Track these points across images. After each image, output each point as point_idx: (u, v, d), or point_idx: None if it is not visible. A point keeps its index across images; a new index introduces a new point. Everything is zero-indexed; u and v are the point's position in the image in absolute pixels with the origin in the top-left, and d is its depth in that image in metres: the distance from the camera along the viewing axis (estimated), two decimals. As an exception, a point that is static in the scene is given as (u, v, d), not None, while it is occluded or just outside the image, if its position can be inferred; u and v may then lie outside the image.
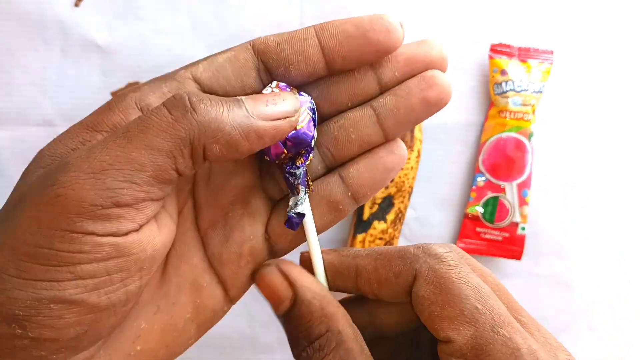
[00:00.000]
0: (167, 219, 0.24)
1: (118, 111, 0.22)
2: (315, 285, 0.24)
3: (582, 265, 0.48)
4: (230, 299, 0.27)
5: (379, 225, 0.45)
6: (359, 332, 0.23)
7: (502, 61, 0.47)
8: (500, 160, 0.47)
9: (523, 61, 0.47)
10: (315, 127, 0.25)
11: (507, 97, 0.46)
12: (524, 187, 0.47)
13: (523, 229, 0.46)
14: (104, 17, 0.47)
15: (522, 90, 0.46)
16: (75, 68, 0.47)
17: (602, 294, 0.48)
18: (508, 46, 0.47)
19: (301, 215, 0.25)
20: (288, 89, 0.24)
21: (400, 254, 0.24)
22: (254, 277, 0.25)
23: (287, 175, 0.25)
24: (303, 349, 0.22)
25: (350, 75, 0.25)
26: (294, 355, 0.23)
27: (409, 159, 0.46)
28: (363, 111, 0.26)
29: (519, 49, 0.47)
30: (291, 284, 0.23)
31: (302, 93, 0.25)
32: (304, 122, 0.24)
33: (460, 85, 0.48)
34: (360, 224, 0.45)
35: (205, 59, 0.24)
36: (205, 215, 0.26)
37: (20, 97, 0.46)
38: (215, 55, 0.24)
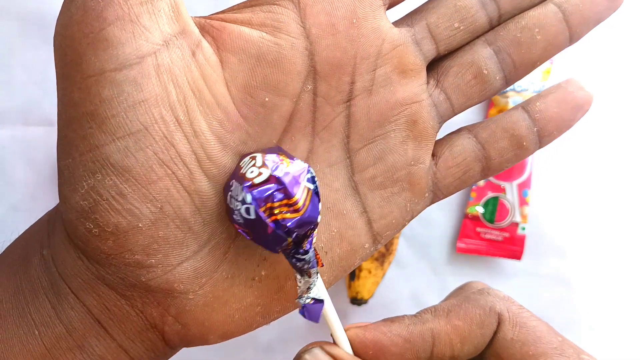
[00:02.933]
0: None
1: (270, 2, 0.22)
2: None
3: (582, 265, 0.48)
4: (374, 236, 0.24)
5: (379, 225, 0.45)
6: None
7: (503, 61, 0.47)
8: (500, 160, 0.47)
9: (523, 61, 0.47)
10: (319, 200, 0.20)
11: (507, 97, 0.46)
12: (524, 187, 0.47)
13: (523, 229, 0.46)
14: (104, 16, 0.47)
15: (522, 90, 0.46)
16: (76, 67, 0.47)
17: (602, 294, 0.48)
18: (508, 46, 0.47)
19: (320, 301, 0.21)
20: (278, 163, 0.20)
21: (474, 304, 0.22)
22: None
23: (294, 260, 0.21)
24: None
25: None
26: None
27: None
28: (547, 8, 0.24)
29: (520, 49, 0.47)
30: None
31: (294, 158, 0.20)
32: (307, 201, 0.20)
33: (460, 85, 0.48)
34: (361, 224, 0.45)
35: None
36: (360, 131, 0.23)
37: (21, 96, 0.47)
38: None
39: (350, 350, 0.22)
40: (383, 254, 0.46)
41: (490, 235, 0.47)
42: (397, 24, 0.25)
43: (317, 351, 0.22)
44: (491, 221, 0.47)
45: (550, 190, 0.48)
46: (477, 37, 0.25)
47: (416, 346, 0.22)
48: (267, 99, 0.21)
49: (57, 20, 0.19)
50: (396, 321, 0.23)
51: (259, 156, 0.20)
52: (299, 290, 0.21)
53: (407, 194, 0.24)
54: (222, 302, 0.21)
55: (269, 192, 0.19)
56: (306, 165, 0.20)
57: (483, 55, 0.24)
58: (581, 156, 0.48)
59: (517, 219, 0.46)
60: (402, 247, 0.48)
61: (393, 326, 0.22)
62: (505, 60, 0.24)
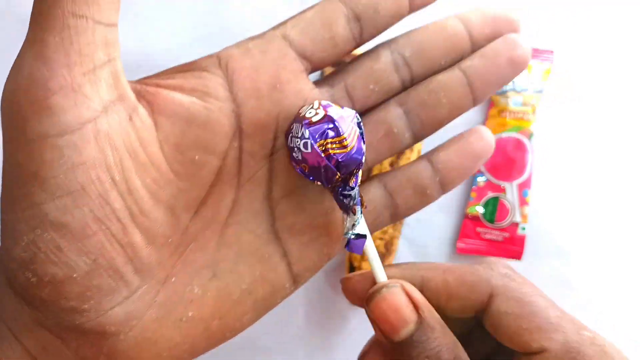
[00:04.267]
0: None
1: (200, 69, 0.24)
2: (434, 311, 0.23)
3: (582, 265, 0.48)
4: (294, 277, 0.26)
5: (379, 225, 0.45)
6: None
7: (502, 61, 0.47)
8: (500, 160, 0.47)
9: (523, 61, 0.47)
10: (364, 142, 0.24)
11: (507, 97, 0.46)
12: (524, 187, 0.47)
13: (523, 229, 0.46)
14: (103, 17, 0.47)
15: (522, 90, 0.46)
16: (75, 68, 0.47)
17: (602, 294, 0.48)
18: (508, 46, 0.47)
19: (362, 237, 0.24)
20: (332, 106, 0.24)
21: (472, 271, 0.24)
22: (370, 297, 0.24)
23: (342, 197, 0.24)
24: None
25: (443, 29, 0.27)
26: None
27: (408, 158, 0.46)
28: (453, 73, 0.26)
29: (519, 49, 0.47)
30: (417, 307, 0.23)
31: (344, 107, 0.24)
32: (353, 141, 0.23)
33: (460, 85, 0.48)
34: (360, 224, 0.45)
35: (291, 17, 0.26)
36: (281, 183, 0.25)
37: (20, 97, 0.46)
38: (301, 12, 0.26)
39: (385, 279, 0.24)
40: (383, 254, 0.46)
41: (491, 235, 0.47)
42: (318, 84, 0.27)
43: (397, 290, 0.23)
44: (491, 221, 0.47)
45: (550, 190, 0.48)
46: (391, 97, 0.27)
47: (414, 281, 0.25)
48: (197, 157, 0.23)
49: (5, 85, 0.21)
50: (395, 265, 0.25)
51: (316, 102, 0.24)
52: (345, 227, 0.24)
53: (324, 239, 0.26)
54: (152, 342, 0.22)
55: (324, 129, 0.22)
56: (354, 111, 0.24)
57: (394, 115, 0.27)
58: (581, 156, 0.48)
59: (517, 219, 0.46)
60: (402, 247, 0.48)
61: (390, 269, 0.25)
62: (414, 120, 0.26)
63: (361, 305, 0.26)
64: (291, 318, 0.47)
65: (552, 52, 0.47)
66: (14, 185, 0.20)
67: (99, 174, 0.20)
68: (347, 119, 0.23)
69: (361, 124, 0.24)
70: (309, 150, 0.23)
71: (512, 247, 0.47)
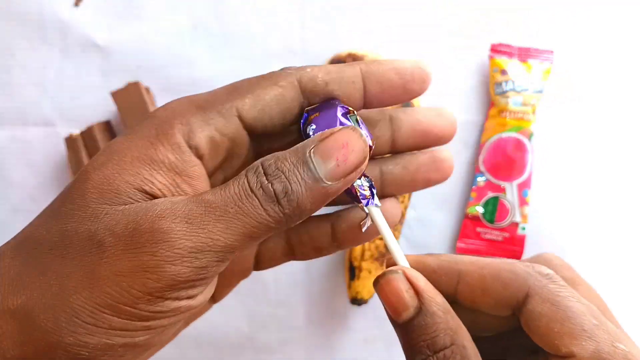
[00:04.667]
0: None
1: (171, 149, 0.22)
2: (439, 298, 0.24)
3: (582, 265, 0.48)
4: (214, 299, 0.28)
5: (379, 225, 0.45)
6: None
7: (502, 61, 0.47)
8: (500, 160, 0.47)
9: (523, 61, 0.47)
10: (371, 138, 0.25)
11: (507, 97, 0.46)
12: (524, 187, 0.47)
13: (523, 229, 0.46)
14: (104, 17, 0.47)
15: (522, 90, 0.46)
16: (75, 68, 0.47)
17: (602, 294, 0.48)
18: (508, 46, 0.47)
19: (377, 206, 0.25)
20: (348, 116, 0.25)
21: (510, 268, 0.24)
22: (377, 279, 0.24)
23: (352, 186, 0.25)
24: (425, 358, 0.22)
25: (371, 124, 0.27)
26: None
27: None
28: (372, 169, 0.27)
29: (519, 49, 0.47)
30: (417, 292, 0.23)
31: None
32: (360, 125, 0.25)
33: (460, 85, 0.48)
34: (361, 224, 0.45)
35: (249, 90, 0.24)
36: None
37: (20, 97, 0.46)
38: (260, 88, 0.24)
39: (406, 263, 0.25)
40: (383, 254, 0.46)
41: (490, 235, 0.47)
42: None
43: (398, 276, 0.24)
44: (491, 221, 0.47)
45: (550, 190, 0.48)
46: None
47: (441, 279, 0.25)
48: None
49: None
50: (434, 255, 0.26)
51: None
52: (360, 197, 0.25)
53: (241, 267, 0.29)
54: None
55: (345, 121, 0.24)
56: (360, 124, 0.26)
57: None
58: (581, 156, 0.48)
59: (517, 219, 0.46)
60: (402, 247, 0.48)
61: (428, 258, 0.26)
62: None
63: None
64: (291, 318, 0.47)
65: (552, 52, 0.47)
66: None
67: None
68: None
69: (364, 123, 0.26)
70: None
71: (512, 247, 0.47)
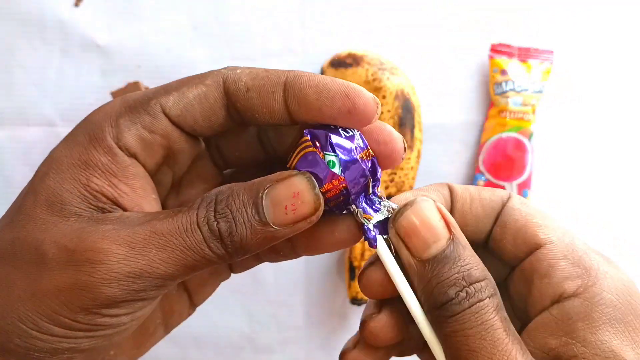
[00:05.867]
0: None
1: (103, 152, 0.22)
2: (463, 236, 0.23)
3: (582, 265, 0.48)
4: (194, 304, 0.28)
5: (379, 225, 0.45)
6: None
7: (502, 61, 0.47)
8: (500, 160, 0.47)
9: (523, 61, 0.47)
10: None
11: (507, 97, 0.46)
12: (524, 187, 0.47)
13: (523, 229, 0.46)
14: (104, 17, 0.47)
15: (522, 90, 0.46)
16: (75, 68, 0.47)
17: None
18: (508, 46, 0.47)
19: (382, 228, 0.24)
20: (354, 136, 0.23)
21: (490, 190, 0.25)
22: (397, 213, 0.23)
23: (365, 201, 0.24)
24: (461, 289, 0.21)
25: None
26: (438, 298, 0.21)
27: (408, 158, 0.46)
28: None
29: (519, 49, 0.47)
30: (448, 224, 0.22)
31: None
32: (368, 157, 0.23)
33: (460, 85, 0.48)
34: (360, 224, 0.45)
35: (177, 88, 0.23)
36: None
37: (20, 97, 0.46)
38: (187, 85, 0.24)
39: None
40: (383, 254, 0.46)
41: (490, 235, 0.47)
42: None
43: (430, 204, 0.23)
44: (491, 221, 0.47)
45: (550, 190, 0.48)
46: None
47: (439, 193, 0.25)
48: None
49: None
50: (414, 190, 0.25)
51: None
52: (365, 222, 0.24)
53: (219, 271, 0.29)
54: None
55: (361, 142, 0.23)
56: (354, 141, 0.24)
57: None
58: (581, 156, 0.48)
59: (517, 219, 0.46)
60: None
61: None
62: None
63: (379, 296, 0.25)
64: (291, 318, 0.47)
65: (552, 52, 0.47)
66: None
67: None
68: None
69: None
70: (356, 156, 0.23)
71: (512, 247, 0.47)
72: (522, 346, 0.21)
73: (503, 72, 0.46)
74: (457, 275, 0.21)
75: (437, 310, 0.21)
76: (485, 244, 0.25)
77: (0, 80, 0.46)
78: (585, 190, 0.48)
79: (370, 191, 0.24)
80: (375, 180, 0.23)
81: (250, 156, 0.27)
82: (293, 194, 0.21)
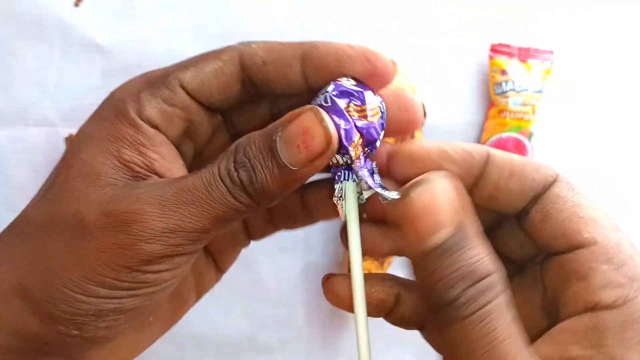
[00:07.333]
0: None
1: (128, 124, 0.23)
2: (476, 223, 0.20)
3: (582, 265, 0.48)
4: (221, 270, 0.30)
5: (379, 225, 0.45)
6: None
7: (502, 61, 0.47)
8: (500, 160, 0.47)
9: (523, 61, 0.47)
10: (382, 129, 0.24)
11: (507, 97, 0.46)
12: (524, 187, 0.47)
13: (523, 229, 0.46)
14: (104, 17, 0.47)
15: (522, 90, 0.46)
16: (75, 68, 0.47)
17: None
18: (508, 46, 0.47)
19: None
20: (365, 86, 0.23)
21: (535, 164, 0.23)
22: (407, 192, 0.20)
23: (345, 169, 0.24)
24: (466, 289, 0.18)
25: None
26: (439, 299, 0.19)
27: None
28: None
29: (519, 49, 0.47)
30: (456, 212, 0.19)
31: (375, 94, 0.24)
32: (374, 117, 0.23)
33: (460, 85, 0.48)
34: (361, 224, 0.45)
35: (194, 63, 0.25)
36: None
37: (20, 97, 0.46)
38: (204, 60, 0.25)
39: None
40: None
41: (490, 235, 0.47)
42: None
43: (443, 184, 0.20)
44: (491, 221, 0.47)
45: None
46: None
47: (473, 158, 0.23)
48: None
49: None
50: (459, 142, 0.24)
51: (352, 79, 0.23)
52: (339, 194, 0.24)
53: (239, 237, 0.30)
54: (119, 347, 0.25)
55: (349, 90, 0.23)
56: (381, 98, 0.24)
57: None
58: (581, 156, 0.48)
59: (517, 219, 0.46)
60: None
61: (455, 142, 0.23)
62: None
63: (343, 307, 0.26)
64: (291, 318, 0.47)
65: (552, 52, 0.47)
66: None
67: None
68: (373, 98, 0.23)
69: (385, 114, 0.24)
70: (329, 103, 0.22)
71: (512, 247, 0.47)
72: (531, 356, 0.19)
73: (503, 72, 0.46)
74: (460, 272, 0.18)
75: (438, 311, 0.19)
76: (517, 220, 0.23)
77: (0, 80, 0.46)
78: (586, 190, 0.48)
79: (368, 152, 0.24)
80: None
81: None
82: (303, 130, 0.21)
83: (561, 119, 0.48)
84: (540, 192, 0.22)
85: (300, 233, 0.47)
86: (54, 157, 0.47)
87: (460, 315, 0.18)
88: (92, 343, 0.22)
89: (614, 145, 0.48)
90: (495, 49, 0.47)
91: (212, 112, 0.26)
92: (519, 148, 0.46)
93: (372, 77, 0.23)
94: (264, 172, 0.21)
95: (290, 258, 0.47)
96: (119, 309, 0.22)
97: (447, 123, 0.48)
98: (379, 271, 0.45)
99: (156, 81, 0.24)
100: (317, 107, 0.22)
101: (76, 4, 0.47)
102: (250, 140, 0.22)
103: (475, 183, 0.23)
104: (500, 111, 0.46)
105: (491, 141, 0.47)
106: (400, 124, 0.24)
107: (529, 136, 0.46)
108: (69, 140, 0.45)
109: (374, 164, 0.24)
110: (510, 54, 0.47)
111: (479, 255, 0.19)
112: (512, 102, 0.46)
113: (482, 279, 0.19)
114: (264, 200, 0.22)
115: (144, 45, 0.47)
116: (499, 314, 0.18)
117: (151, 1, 0.47)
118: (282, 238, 0.45)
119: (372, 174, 0.24)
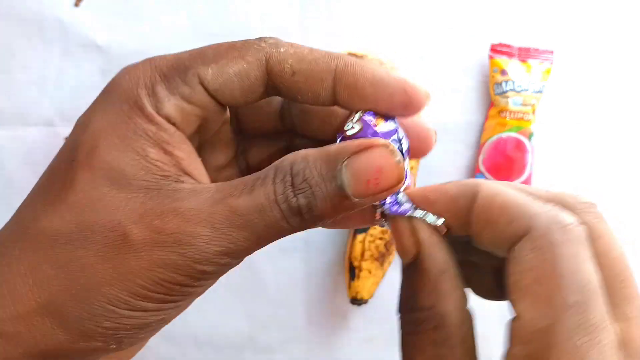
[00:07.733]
0: None
1: (147, 120, 0.22)
2: (440, 255, 0.21)
3: (582, 265, 0.48)
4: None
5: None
6: (471, 320, 0.21)
7: (502, 61, 0.47)
8: (500, 160, 0.47)
9: (523, 61, 0.47)
10: (404, 159, 0.23)
11: (507, 97, 0.46)
12: (524, 187, 0.47)
13: (523, 229, 0.46)
14: (104, 17, 0.47)
15: (522, 90, 0.46)
16: (75, 68, 0.47)
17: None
18: (508, 46, 0.47)
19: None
20: (373, 116, 0.23)
21: (523, 203, 0.21)
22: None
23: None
24: (407, 312, 0.21)
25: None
26: (399, 309, 0.22)
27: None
28: None
29: (519, 49, 0.47)
30: (417, 243, 0.22)
31: (389, 119, 0.23)
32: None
33: (460, 85, 0.48)
34: (361, 224, 0.45)
35: (214, 59, 0.24)
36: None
37: (20, 96, 0.46)
38: (226, 58, 0.23)
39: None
40: (383, 254, 0.46)
41: (490, 235, 0.47)
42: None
43: (405, 218, 0.22)
44: (491, 221, 0.47)
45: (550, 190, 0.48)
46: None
47: (465, 194, 0.22)
48: None
49: None
50: (455, 182, 0.23)
51: (357, 114, 0.23)
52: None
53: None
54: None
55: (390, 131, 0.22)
56: (396, 125, 0.23)
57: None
58: (581, 156, 0.48)
59: (517, 219, 0.46)
60: (402, 247, 0.48)
61: (448, 185, 0.23)
62: None
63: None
64: (291, 318, 0.47)
65: (552, 52, 0.47)
66: None
67: None
68: (383, 135, 0.22)
69: (402, 140, 0.23)
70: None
71: (512, 247, 0.47)
72: None
73: (503, 72, 0.46)
74: (408, 294, 0.21)
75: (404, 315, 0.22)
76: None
77: (0, 80, 0.46)
78: (585, 190, 0.48)
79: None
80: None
81: (268, 127, 0.27)
82: (376, 169, 0.21)
83: (561, 119, 0.48)
84: (512, 246, 0.21)
85: (300, 233, 0.47)
86: (53, 156, 0.47)
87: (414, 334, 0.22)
88: (121, 355, 0.22)
89: (614, 145, 0.48)
90: (495, 49, 0.47)
91: (224, 107, 0.25)
92: (519, 148, 0.46)
93: (404, 108, 0.23)
94: (326, 200, 0.21)
95: (290, 258, 0.47)
96: (164, 319, 0.22)
97: (447, 123, 0.48)
98: (378, 271, 0.45)
99: (173, 75, 0.23)
100: (390, 143, 0.21)
101: (76, 4, 0.47)
102: (309, 163, 0.21)
103: (467, 221, 0.22)
104: (501, 111, 0.46)
105: (491, 141, 0.47)
106: (413, 152, 0.24)
107: (529, 136, 0.46)
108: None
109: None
110: (510, 54, 0.47)
111: (421, 290, 0.21)
112: (512, 102, 0.46)
113: (421, 310, 0.21)
114: (315, 225, 0.22)
115: (144, 45, 0.47)
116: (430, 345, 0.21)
117: (151, 1, 0.47)
118: (282, 238, 0.45)
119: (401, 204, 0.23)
